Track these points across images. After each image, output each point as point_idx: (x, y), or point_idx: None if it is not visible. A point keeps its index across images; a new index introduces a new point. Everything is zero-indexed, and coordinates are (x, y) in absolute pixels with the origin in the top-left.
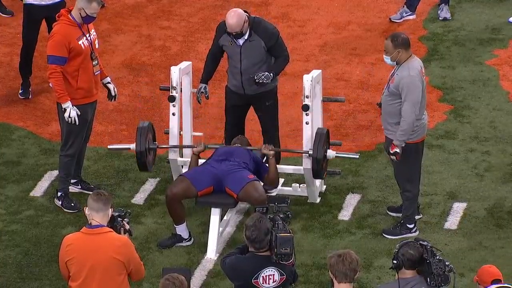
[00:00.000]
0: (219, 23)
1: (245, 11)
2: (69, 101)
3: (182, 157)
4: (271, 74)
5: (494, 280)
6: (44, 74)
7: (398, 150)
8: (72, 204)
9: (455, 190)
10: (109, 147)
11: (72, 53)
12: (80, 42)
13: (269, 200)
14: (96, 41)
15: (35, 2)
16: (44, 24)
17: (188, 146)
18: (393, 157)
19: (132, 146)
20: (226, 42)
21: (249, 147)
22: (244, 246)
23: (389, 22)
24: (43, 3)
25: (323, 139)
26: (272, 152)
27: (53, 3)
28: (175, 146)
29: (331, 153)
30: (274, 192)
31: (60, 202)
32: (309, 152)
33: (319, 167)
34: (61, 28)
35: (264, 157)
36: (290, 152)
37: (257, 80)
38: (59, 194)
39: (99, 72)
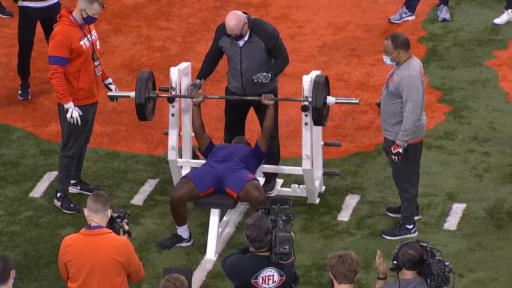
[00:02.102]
0: (219, 25)
1: (244, 13)
2: (71, 102)
3: (181, 157)
4: (270, 74)
5: None
6: (43, 75)
7: (400, 151)
8: (72, 205)
9: (454, 191)
10: (108, 94)
11: (73, 53)
12: (81, 43)
13: (271, 202)
14: (98, 42)
15: (30, 4)
16: (39, 25)
17: (187, 96)
18: (395, 157)
19: (132, 94)
20: (226, 44)
21: (248, 97)
22: (245, 247)
23: (389, 23)
24: (38, 5)
25: (321, 85)
26: (271, 102)
27: (48, 5)
28: (174, 96)
29: (331, 99)
30: (273, 193)
31: (60, 203)
32: (308, 99)
33: (320, 113)
34: (63, 29)
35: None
36: (289, 100)
37: (255, 80)
38: (58, 194)
39: (101, 72)
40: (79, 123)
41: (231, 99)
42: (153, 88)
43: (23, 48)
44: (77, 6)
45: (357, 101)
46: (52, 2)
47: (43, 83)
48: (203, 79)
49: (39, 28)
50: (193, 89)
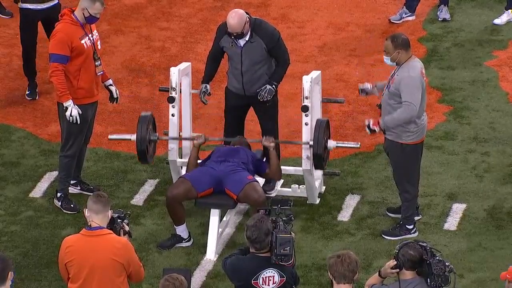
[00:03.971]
0: (220, 25)
1: (246, 13)
2: (71, 100)
3: (181, 158)
4: (273, 86)
5: None
6: (43, 75)
7: (376, 129)
8: (72, 205)
9: (455, 191)
10: (109, 137)
11: (74, 52)
12: (82, 42)
13: (272, 203)
14: (99, 42)
15: (31, 6)
16: (41, 26)
17: (188, 139)
18: (367, 130)
19: (133, 136)
20: (227, 44)
21: (249, 139)
22: (246, 248)
23: (389, 23)
24: (38, 7)
25: (323, 129)
26: (272, 144)
27: (48, 7)
28: (175, 138)
29: (331, 143)
30: (273, 194)
31: (60, 203)
32: (310, 143)
33: (320, 157)
34: (64, 27)
35: (264, 155)
36: (291, 144)
37: (260, 99)
38: (58, 195)
39: (101, 72)
40: (79, 122)
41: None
42: (154, 130)
43: (26, 49)
44: (79, 5)
45: (358, 145)
46: (52, 4)
47: (43, 83)
48: (210, 83)
49: (41, 27)
50: (204, 95)
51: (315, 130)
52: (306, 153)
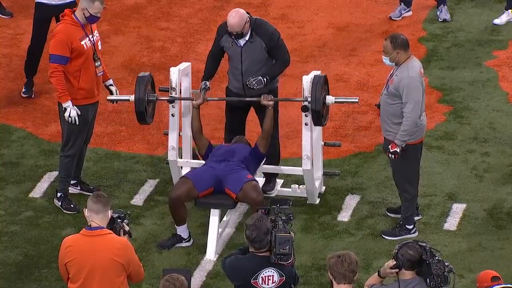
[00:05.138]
0: (220, 24)
1: (246, 12)
2: (70, 101)
3: (181, 158)
4: (265, 79)
5: (493, 277)
6: (43, 75)
7: (398, 150)
8: (72, 206)
9: (455, 191)
10: (108, 98)
11: (74, 53)
12: (82, 43)
13: (271, 202)
14: (99, 43)
15: (45, 1)
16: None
17: (187, 99)
18: (392, 156)
19: (131, 97)
20: (227, 43)
21: (247, 98)
22: (245, 248)
23: (389, 22)
24: (53, 2)
25: (321, 84)
26: (271, 102)
27: (64, 3)
28: (174, 98)
29: (330, 98)
30: (273, 194)
31: (60, 203)
32: (308, 99)
33: (319, 113)
34: (64, 28)
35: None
36: (288, 101)
37: (248, 85)
38: (58, 194)
39: (102, 73)
40: (77, 122)
41: (231, 100)
42: (153, 90)
43: (34, 45)
44: (79, 6)
45: (356, 100)
46: (68, 1)
47: (43, 83)
48: (210, 80)
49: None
50: (205, 91)
51: (312, 87)
52: (305, 152)
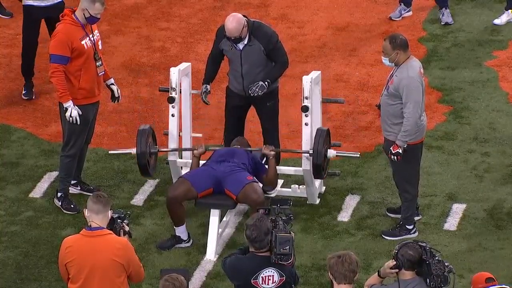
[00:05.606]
0: (219, 27)
1: (244, 16)
2: (71, 101)
3: (181, 158)
4: (266, 83)
5: (487, 278)
6: (43, 75)
7: (400, 151)
8: (72, 206)
9: (455, 191)
10: (110, 152)
11: (74, 53)
12: (83, 42)
13: (271, 202)
14: (100, 42)
15: (34, 3)
16: (43, 26)
17: (188, 149)
18: (394, 157)
19: (133, 150)
20: (226, 47)
21: (249, 148)
22: (246, 247)
23: (388, 22)
24: (42, 4)
25: (323, 138)
26: (272, 153)
27: (52, 4)
28: (175, 149)
29: (331, 152)
30: (273, 194)
31: (60, 203)
32: (310, 152)
33: (320, 167)
34: (64, 28)
35: (264, 158)
36: (290, 153)
37: (251, 94)
38: (59, 194)
39: (103, 73)
40: (78, 122)
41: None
42: (154, 142)
43: (26, 47)
44: (79, 6)
45: (357, 155)
46: (56, 1)
47: (43, 83)
48: (210, 84)
49: (43, 28)
50: (206, 95)
51: (315, 140)
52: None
